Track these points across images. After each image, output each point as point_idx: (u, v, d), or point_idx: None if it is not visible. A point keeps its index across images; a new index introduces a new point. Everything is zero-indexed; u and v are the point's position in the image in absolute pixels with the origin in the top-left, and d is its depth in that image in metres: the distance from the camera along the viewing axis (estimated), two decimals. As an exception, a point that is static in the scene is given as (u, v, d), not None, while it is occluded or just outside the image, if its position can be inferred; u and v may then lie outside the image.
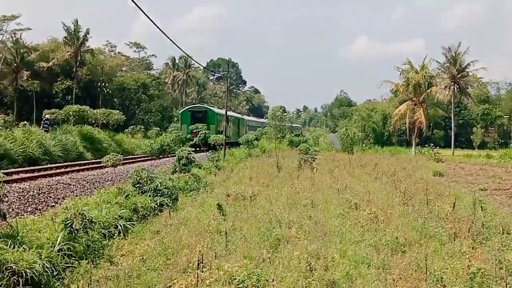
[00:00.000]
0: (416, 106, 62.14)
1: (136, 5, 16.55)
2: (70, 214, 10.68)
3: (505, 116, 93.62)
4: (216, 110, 56.70)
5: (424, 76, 61.16)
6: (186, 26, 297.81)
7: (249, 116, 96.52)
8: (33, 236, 10.38)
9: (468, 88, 79.34)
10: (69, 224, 10.53)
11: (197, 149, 40.12)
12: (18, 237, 9.87)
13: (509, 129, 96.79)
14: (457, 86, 70.64)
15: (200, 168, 28.55)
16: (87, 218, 10.89)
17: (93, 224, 11.24)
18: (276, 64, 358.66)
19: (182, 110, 57.47)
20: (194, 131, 46.35)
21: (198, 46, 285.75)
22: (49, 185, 19.59)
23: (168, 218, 14.72)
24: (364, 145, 73.47)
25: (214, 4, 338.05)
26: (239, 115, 72.84)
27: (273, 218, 14.03)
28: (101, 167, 24.71)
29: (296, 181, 23.04)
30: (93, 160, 31.68)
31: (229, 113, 54.61)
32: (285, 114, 48.72)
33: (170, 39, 24.07)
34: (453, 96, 70.43)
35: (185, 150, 26.15)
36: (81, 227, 10.67)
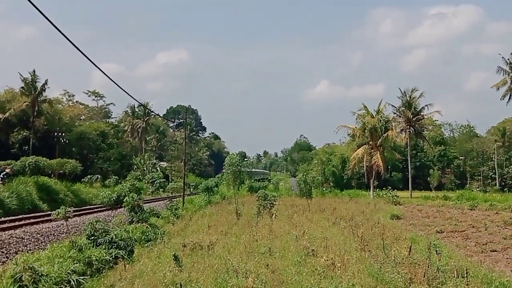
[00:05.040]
0: (373, 150, 63.04)
1: (90, 61, 16.56)
2: (19, 268, 10.42)
3: (461, 158, 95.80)
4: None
5: (380, 120, 62.26)
6: (149, 72, 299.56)
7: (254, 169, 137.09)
8: (-20, 295, 10.07)
9: (423, 131, 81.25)
10: (18, 279, 10.26)
11: None
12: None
13: (465, 170, 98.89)
14: (413, 129, 72.39)
15: (158, 217, 28.28)
16: (37, 272, 10.63)
17: (44, 278, 10.96)
18: (237, 109, 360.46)
19: None
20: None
21: (159, 92, 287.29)
22: (0, 240, 19.07)
23: (123, 271, 14.44)
24: (324, 189, 73.83)
25: (176, 50, 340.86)
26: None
27: (230, 267, 13.91)
28: (56, 219, 24.15)
29: (255, 229, 22.98)
30: (49, 212, 30.83)
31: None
32: (246, 159, 49.44)
33: (125, 91, 24.06)
34: (409, 139, 72.03)
35: (134, 197, 25.83)
36: (30, 282, 10.39)
